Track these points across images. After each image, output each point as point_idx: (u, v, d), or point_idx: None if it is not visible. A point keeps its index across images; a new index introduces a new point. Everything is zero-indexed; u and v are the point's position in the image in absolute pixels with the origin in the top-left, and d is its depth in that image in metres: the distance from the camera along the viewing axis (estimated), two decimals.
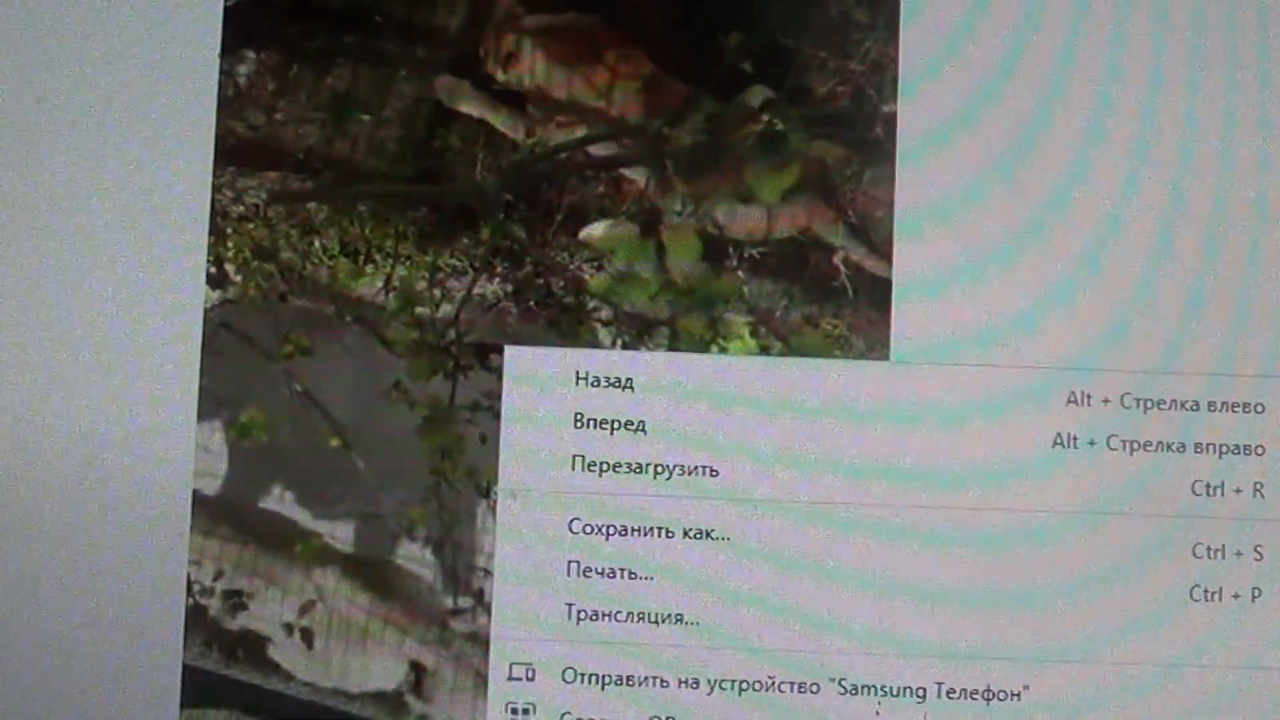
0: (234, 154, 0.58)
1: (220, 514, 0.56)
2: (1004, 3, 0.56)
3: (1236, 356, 0.54)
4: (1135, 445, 0.54)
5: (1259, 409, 0.54)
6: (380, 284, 0.57)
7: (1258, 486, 0.54)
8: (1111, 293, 0.55)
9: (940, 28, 0.57)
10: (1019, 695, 0.53)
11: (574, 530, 0.54)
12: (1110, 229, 0.55)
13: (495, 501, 0.56)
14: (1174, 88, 0.56)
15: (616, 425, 0.55)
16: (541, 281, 0.57)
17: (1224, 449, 0.54)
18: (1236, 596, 0.53)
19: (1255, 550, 0.53)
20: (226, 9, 0.58)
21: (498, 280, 0.57)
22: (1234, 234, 0.55)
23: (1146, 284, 0.55)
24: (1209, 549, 0.53)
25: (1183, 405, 0.54)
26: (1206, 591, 0.53)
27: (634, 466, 0.55)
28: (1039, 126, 0.56)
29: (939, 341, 0.55)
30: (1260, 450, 0.54)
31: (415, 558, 0.56)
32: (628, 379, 0.55)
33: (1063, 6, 0.56)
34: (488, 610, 0.56)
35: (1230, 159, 0.55)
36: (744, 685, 0.53)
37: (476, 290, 0.57)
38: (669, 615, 0.54)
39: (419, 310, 0.57)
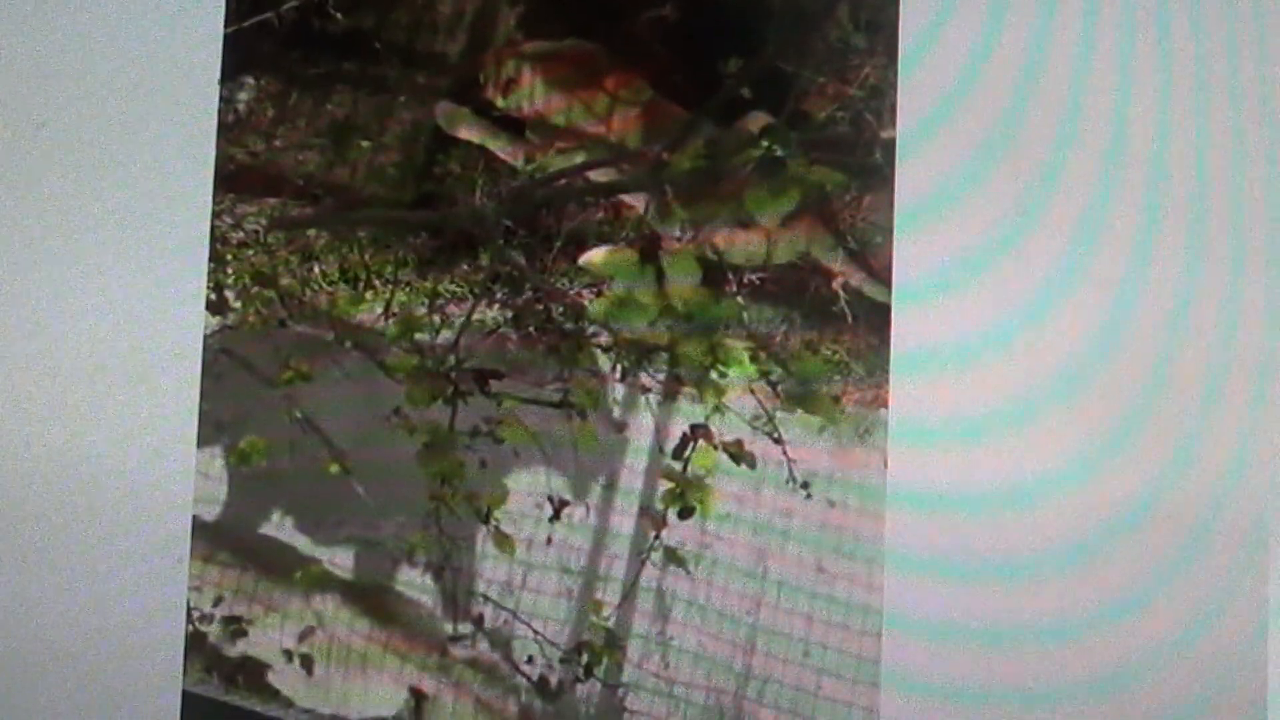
0: (234, 180, 0.58)
1: (220, 540, 0.56)
2: (1009, 29, 0.56)
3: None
4: None
5: None
6: (380, 310, 0.57)
7: None
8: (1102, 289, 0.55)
9: (940, 53, 0.57)
10: None
11: None
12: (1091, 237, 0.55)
13: (495, 527, 0.56)
14: (1184, 121, 0.56)
15: None
16: (541, 307, 0.57)
17: None
18: None
19: None
20: (227, 36, 0.58)
21: (497, 306, 0.57)
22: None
23: (1132, 281, 0.55)
24: None
25: None
26: None
27: None
28: (1055, 155, 0.56)
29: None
30: None
31: (415, 584, 0.56)
32: None
33: (1071, 40, 0.56)
34: (487, 636, 0.56)
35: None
36: None
37: (476, 316, 0.57)
38: None
39: (418, 336, 0.57)
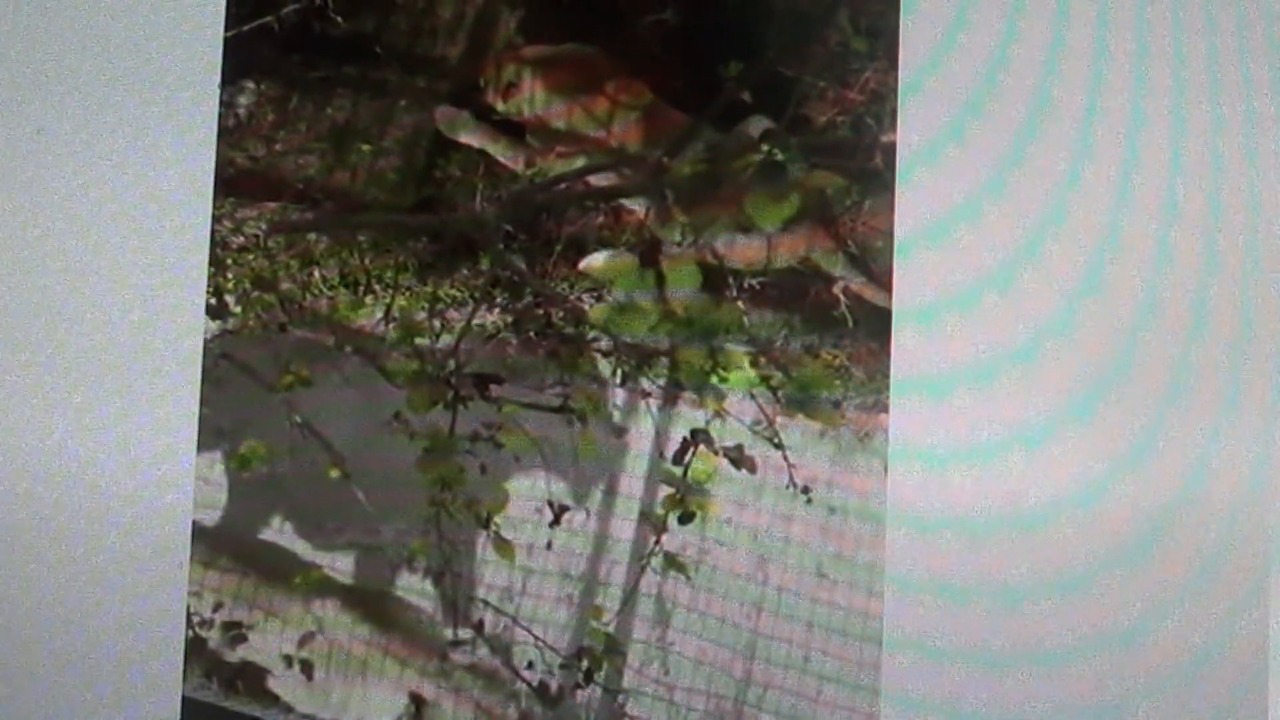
0: (234, 184, 0.58)
1: (220, 545, 0.56)
2: (1011, 34, 0.56)
3: None
4: None
5: None
6: (380, 315, 0.57)
7: None
8: (1112, 306, 0.55)
9: (942, 57, 0.56)
10: None
11: None
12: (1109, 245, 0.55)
13: (495, 532, 0.56)
14: (1199, 121, 0.56)
15: None
16: (541, 312, 0.57)
17: None
18: None
19: None
20: (227, 39, 0.58)
21: (497, 311, 0.57)
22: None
23: (1150, 292, 0.55)
24: None
25: None
26: None
27: None
28: (1059, 159, 0.56)
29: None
30: None
31: (415, 589, 0.56)
32: None
33: (1083, 50, 0.56)
34: (487, 642, 0.55)
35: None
36: None
37: (476, 321, 0.57)
38: None
39: (419, 341, 0.57)
